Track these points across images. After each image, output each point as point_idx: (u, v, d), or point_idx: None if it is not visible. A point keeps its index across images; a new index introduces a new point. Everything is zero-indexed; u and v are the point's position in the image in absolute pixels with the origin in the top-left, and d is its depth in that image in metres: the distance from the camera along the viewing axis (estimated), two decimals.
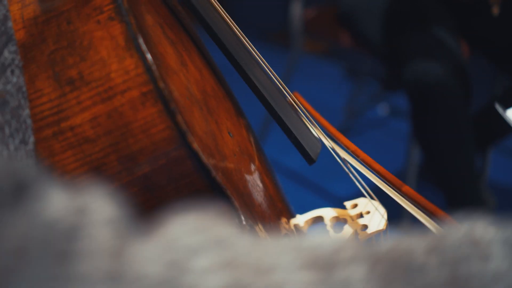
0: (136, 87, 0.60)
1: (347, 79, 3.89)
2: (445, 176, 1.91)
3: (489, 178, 2.58)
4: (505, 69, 2.05)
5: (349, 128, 3.13)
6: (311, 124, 0.88)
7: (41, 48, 0.61)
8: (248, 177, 0.76)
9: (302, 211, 1.03)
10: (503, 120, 1.15)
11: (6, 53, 0.56)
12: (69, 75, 0.61)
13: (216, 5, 0.82)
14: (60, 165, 0.62)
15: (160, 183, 0.63)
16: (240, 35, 0.84)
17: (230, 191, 0.66)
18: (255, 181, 0.78)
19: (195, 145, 0.62)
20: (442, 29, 1.91)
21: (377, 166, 0.82)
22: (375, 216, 0.89)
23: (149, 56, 0.60)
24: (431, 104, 1.81)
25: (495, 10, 1.77)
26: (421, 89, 1.80)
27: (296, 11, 2.41)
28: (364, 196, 0.92)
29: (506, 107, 1.11)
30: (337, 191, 2.39)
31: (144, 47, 0.60)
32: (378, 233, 0.87)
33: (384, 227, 0.87)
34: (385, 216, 0.89)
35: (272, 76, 0.88)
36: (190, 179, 0.64)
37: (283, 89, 0.86)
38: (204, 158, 0.63)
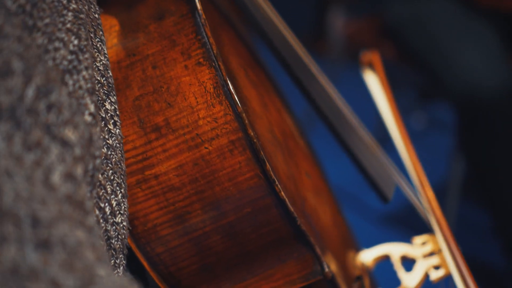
0: (225, 135, 0.58)
1: None
2: (495, 195, 1.87)
3: None
4: None
5: (383, 138, 3.09)
6: (385, 157, 0.85)
7: (125, 94, 0.60)
8: (323, 218, 0.74)
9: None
10: None
11: (107, 105, 0.54)
12: (155, 122, 0.59)
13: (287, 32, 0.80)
14: (143, 214, 0.60)
15: (244, 230, 0.61)
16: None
17: (313, 238, 0.64)
18: (329, 221, 0.76)
19: (283, 193, 0.59)
20: (493, 43, 1.87)
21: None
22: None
23: (238, 102, 0.58)
24: (484, 120, 1.78)
25: None
26: (474, 103, 1.77)
27: (337, 24, 2.38)
28: (432, 232, 0.89)
29: None
30: (377, 204, 2.35)
31: (234, 93, 0.58)
32: (446, 276, 0.83)
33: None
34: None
35: (342, 106, 0.85)
36: (274, 227, 0.62)
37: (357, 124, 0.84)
38: (290, 205, 0.60)
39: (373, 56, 1.07)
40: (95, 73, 0.54)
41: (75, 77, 0.47)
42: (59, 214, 0.36)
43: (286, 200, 0.59)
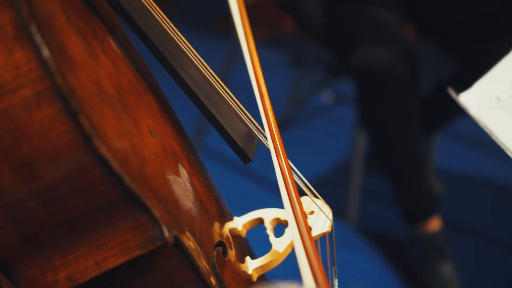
0: (29, 85, 0.51)
1: (290, 66, 3.82)
2: (392, 163, 1.86)
3: (437, 163, 2.56)
4: (451, 52, 2.01)
5: (293, 116, 3.07)
6: (247, 119, 0.80)
7: None
8: (173, 181, 0.67)
9: (246, 204, 0.94)
10: (454, 105, 1.09)
11: None
12: None
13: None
14: None
15: (63, 195, 0.54)
16: (168, 26, 0.75)
17: (150, 199, 0.57)
18: (182, 185, 0.70)
19: (104, 150, 0.53)
20: (387, 12, 1.85)
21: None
22: (319, 217, 0.81)
23: (44, 47, 0.51)
24: (378, 90, 1.76)
25: None
26: (369, 74, 1.73)
27: None
28: (306, 194, 0.85)
29: (458, 91, 1.04)
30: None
31: (38, 37, 0.50)
32: (322, 235, 0.79)
33: (330, 229, 0.79)
34: (331, 216, 0.81)
35: (205, 69, 0.79)
36: (100, 189, 0.55)
37: (217, 83, 0.78)
38: (116, 164, 0.54)
39: None
40: None
41: None
42: None
43: (108, 158, 0.53)
